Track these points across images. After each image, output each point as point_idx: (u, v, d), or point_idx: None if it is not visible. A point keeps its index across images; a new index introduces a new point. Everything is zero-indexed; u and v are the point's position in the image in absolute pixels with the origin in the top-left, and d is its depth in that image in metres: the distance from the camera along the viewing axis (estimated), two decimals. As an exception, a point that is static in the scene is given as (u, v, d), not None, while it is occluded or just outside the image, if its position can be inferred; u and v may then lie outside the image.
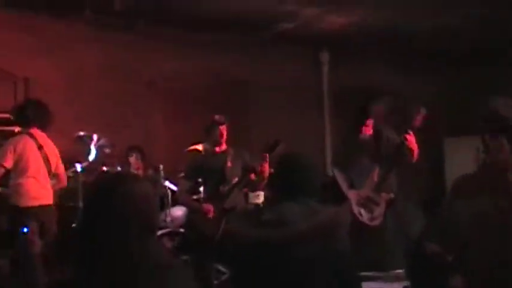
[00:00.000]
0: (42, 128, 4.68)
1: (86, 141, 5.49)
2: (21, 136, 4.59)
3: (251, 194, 5.96)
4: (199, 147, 4.71)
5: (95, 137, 5.51)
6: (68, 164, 5.43)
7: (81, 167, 5.34)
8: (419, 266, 2.66)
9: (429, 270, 2.49)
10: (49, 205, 4.67)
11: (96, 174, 5.38)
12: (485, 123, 2.52)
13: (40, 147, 4.61)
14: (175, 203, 5.60)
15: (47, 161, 4.65)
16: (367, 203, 4.52)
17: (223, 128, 4.59)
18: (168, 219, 5.60)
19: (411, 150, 4.32)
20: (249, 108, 7.93)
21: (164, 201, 5.62)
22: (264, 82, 7.87)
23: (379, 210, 4.49)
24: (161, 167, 5.83)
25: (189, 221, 4.81)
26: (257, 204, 5.92)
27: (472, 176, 2.52)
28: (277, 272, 2.36)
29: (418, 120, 4.29)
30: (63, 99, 6.44)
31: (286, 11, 6.70)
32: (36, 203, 4.52)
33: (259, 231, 2.43)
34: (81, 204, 5.20)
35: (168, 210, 5.64)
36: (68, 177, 5.44)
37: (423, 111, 4.32)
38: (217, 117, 4.62)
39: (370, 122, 4.67)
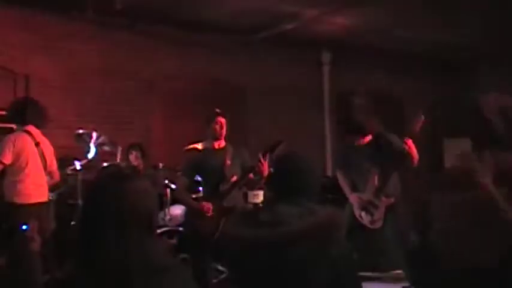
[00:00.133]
0: (38, 126, 4.68)
1: (85, 139, 5.48)
2: (20, 133, 4.58)
3: (250, 193, 5.96)
4: (199, 146, 4.69)
5: (95, 134, 5.50)
6: (67, 161, 5.43)
7: (80, 165, 5.33)
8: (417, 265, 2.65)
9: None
10: (45, 202, 4.68)
11: (95, 171, 5.37)
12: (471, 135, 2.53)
13: (37, 144, 4.61)
14: (174, 201, 5.60)
15: (43, 157, 4.66)
16: (368, 207, 4.59)
17: (222, 120, 4.58)
18: (167, 217, 5.60)
19: (411, 156, 4.37)
20: (248, 109, 7.93)
21: (163, 200, 5.62)
22: (264, 83, 7.88)
23: (378, 214, 4.57)
24: (160, 165, 5.83)
25: (187, 219, 4.80)
26: (256, 204, 5.92)
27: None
28: (271, 273, 2.35)
29: (418, 126, 4.34)
30: (63, 97, 6.45)
31: (287, 12, 6.70)
32: (32, 200, 4.51)
33: (254, 232, 2.42)
34: (80, 202, 5.20)
35: (167, 209, 5.64)
36: (67, 175, 5.45)
37: (422, 117, 4.37)
38: (217, 109, 4.62)
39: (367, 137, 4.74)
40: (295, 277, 2.32)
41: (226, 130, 4.61)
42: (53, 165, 4.85)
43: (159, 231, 5.21)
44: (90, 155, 5.44)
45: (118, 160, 5.73)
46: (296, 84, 8.11)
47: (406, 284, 3.51)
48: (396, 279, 4.78)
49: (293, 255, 2.31)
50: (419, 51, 8.34)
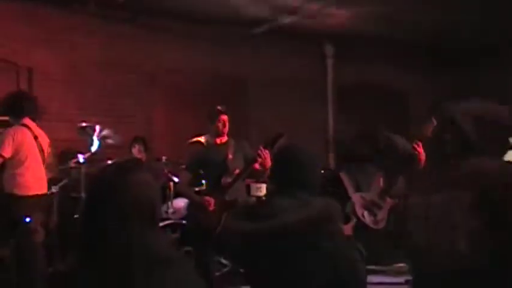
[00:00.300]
0: (34, 119, 4.70)
1: (88, 132, 5.48)
2: (18, 127, 4.59)
3: (253, 186, 5.96)
4: (202, 139, 4.70)
5: (98, 127, 5.50)
6: (70, 154, 5.44)
7: (84, 158, 5.33)
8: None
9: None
10: (44, 194, 4.71)
11: (98, 165, 5.38)
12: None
13: (36, 138, 4.64)
14: (177, 194, 5.61)
15: (41, 150, 4.68)
16: (370, 207, 4.61)
17: (225, 118, 4.60)
18: (171, 210, 5.61)
19: (420, 158, 4.37)
20: (250, 101, 7.92)
21: (166, 193, 5.63)
22: (266, 76, 7.86)
23: (382, 214, 4.59)
24: (164, 158, 5.84)
25: (190, 212, 4.81)
26: (259, 197, 5.92)
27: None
28: (271, 265, 2.36)
29: (429, 130, 4.30)
30: (65, 90, 6.46)
31: (290, 4, 6.68)
32: (32, 192, 4.54)
33: (252, 225, 2.43)
34: (83, 195, 5.21)
35: (170, 202, 5.65)
36: (71, 168, 5.46)
37: (434, 121, 4.34)
38: (219, 107, 4.63)
39: None
40: (293, 269, 2.32)
41: (229, 125, 4.63)
42: (49, 158, 4.87)
43: (162, 224, 5.22)
44: (94, 148, 5.44)
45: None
46: (298, 76, 8.09)
47: (409, 277, 3.52)
48: (399, 273, 4.81)
49: (289, 246, 2.31)
50: (422, 43, 8.31)
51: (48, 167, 4.80)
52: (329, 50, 8.49)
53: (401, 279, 4.63)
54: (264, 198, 5.90)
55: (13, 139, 4.49)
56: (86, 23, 6.66)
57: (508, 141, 2.29)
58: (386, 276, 4.89)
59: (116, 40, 6.87)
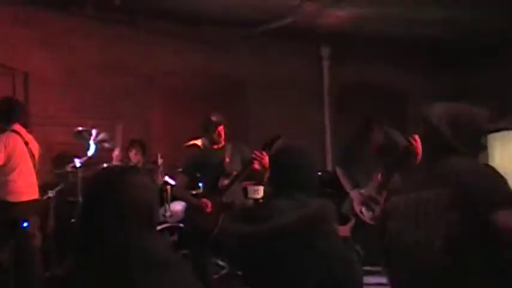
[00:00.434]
0: (24, 125, 4.71)
1: (85, 137, 5.47)
2: (9, 134, 4.61)
3: (250, 189, 5.95)
4: (198, 142, 4.71)
5: (94, 131, 5.49)
6: (67, 158, 5.43)
7: (80, 162, 5.32)
8: None
9: None
10: (36, 199, 4.73)
11: (95, 169, 5.37)
12: None
13: (26, 144, 4.64)
14: (174, 197, 5.60)
15: (32, 156, 4.70)
16: (368, 203, 4.59)
17: (221, 128, 4.57)
18: (168, 213, 5.60)
19: (416, 154, 4.35)
20: (248, 103, 7.92)
21: (164, 196, 5.62)
22: (264, 77, 7.85)
23: (379, 210, 4.56)
24: (160, 161, 5.82)
25: (187, 215, 4.81)
26: (256, 199, 5.91)
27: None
28: (268, 267, 2.36)
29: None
30: (62, 94, 6.45)
31: (286, 6, 6.67)
32: (24, 198, 4.56)
33: (248, 227, 2.43)
34: (80, 199, 5.20)
35: (167, 205, 5.64)
36: (67, 172, 5.45)
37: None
38: (214, 117, 4.55)
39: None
40: (291, 269, 2.33)
41: (226, 129, 4.61)
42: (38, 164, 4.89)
43: (160, 227, 5.21)
44: (90, 152, 5.43)
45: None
46: (296, 77, 8.08)
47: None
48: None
49: (287, 246, 2.32)
50: (422, 43, 8.30)
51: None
52: (325, 51, 8.47)
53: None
54: (261, 200, 5.88)
55: (5, 146, 4.50)
56: (83, 26, 6.65)
57: (482, 141, 2.34)
58: (383, 277, 4.86)
59: (113, 43, 6.86)
